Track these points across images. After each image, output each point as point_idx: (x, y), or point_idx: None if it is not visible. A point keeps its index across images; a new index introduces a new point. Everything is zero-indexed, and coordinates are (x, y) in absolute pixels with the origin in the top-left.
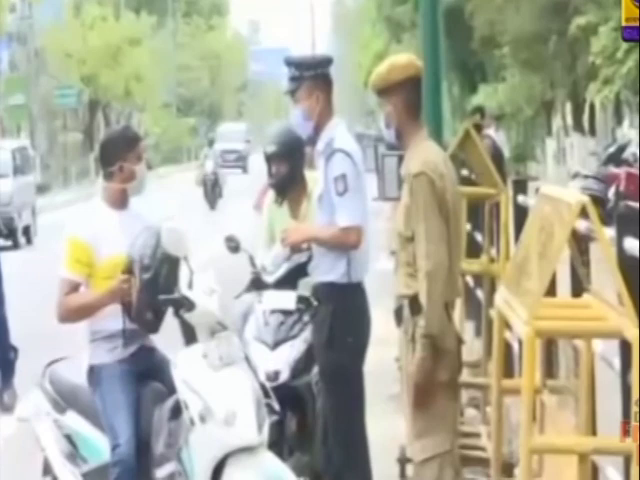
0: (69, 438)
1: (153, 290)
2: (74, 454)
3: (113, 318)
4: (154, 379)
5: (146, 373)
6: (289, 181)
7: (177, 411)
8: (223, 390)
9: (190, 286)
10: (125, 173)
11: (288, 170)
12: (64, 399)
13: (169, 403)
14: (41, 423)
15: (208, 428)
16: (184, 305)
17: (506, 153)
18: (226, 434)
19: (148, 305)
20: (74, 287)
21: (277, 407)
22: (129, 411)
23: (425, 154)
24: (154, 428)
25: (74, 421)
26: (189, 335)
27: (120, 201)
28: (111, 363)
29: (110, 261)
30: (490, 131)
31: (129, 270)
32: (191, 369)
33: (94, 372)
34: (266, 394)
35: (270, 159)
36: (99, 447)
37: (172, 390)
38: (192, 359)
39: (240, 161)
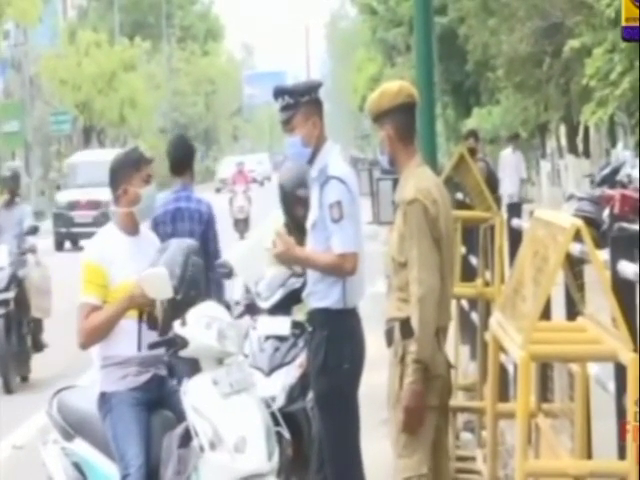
0: (77, 466)
1: (180, 310)
2: None
3: (126, 344)
4: (164, 408)
5: (157, 402)
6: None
7: (186, 438)
8: (233, 417)
9: (183, 323)
10: (130, 196)
11: (306, 209)
12: (72, 427)
13: (178, 430)
14: (49, 451)
15: (218, 455)
16: (177, 344)
17: (524, 174)
18: (236, 461)
19: (172, 320)
20: (94, 310)
21: (287, 435)
22: (140, 440)
23: (418, 180)
24: (163, 455)
25: (82, 449)
26: (193, 365)
27: (130, 226)
28: (123, 391)
29: (122, 287)
30: (507, 151)
31: None
32: (201, 396)
33: (105, 399)
34: (276, 422)
35: (299, 201)
36: (107, 475)
37: (181, 418)
38: (202, 386)
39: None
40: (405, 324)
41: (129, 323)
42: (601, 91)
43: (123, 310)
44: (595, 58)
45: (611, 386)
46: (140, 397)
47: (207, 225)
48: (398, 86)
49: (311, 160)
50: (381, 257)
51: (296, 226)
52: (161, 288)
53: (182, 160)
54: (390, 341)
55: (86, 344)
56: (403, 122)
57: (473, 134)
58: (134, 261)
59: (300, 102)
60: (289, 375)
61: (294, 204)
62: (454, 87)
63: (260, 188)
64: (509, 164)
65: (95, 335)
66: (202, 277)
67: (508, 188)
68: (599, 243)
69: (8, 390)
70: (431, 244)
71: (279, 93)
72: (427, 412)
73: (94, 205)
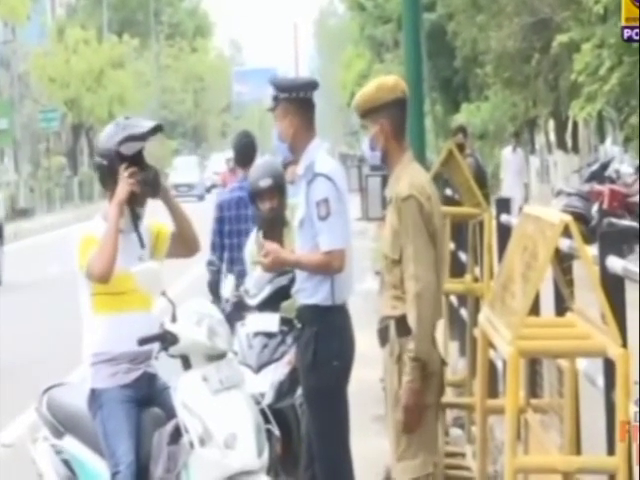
0: (67, 463)
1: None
2: (72, 479)
3: (116, 341)
4: (154, 405)
5: (147, 399)
6: (280, 215)
7: (176, 435)
8: (223, 414)
9: (173, 319)
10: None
11: (280, 204)
12: (62, 424)
13: (168, 427)
14: (38, 448)
15: (208, 452)
16: (167, 340)
17: (525, 178)
18: (226, 457)
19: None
20: None
21: (277, 432)
22: (130, 437)
23: (412, 177)
24: (153, 452)
25: (72, 446)
26: (186, 361)
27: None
28: (113, 388)
29: (112, 280)
30: (508, 150)
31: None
32: (191, 392)
33: (95, 396)
34: (266, 419)
35: (264, 193)
36: (97, 472)
37: (171, 415)
38: (192, 383)
39: None
40: (400, 322)
41: (120, 319)
42: (590, 86)
43: (117, 215)
44: (584, 53)
45: (600, 381)
46: (130, 394)
47: None
48: (394, 80)
49: (297, 158)
50: (370, 253)
51: (263, 222)
52: (154, 282)
53: (246, 154)
54: (384, 340)
55: (103, 269)
56: (398, 117)
57: (462, 130)
58: (122, 256)
59: (279, 97)
60: (278, 372)
61: (257, 197)
62: (443, 83)
63: None
64: (511, 165)
65: (106, 255)
66: None
67: (510, 191)
68: (588, 238)
69: None
70: (427, 240)
71: (271, 82)
72: (427, 410)
73: None
